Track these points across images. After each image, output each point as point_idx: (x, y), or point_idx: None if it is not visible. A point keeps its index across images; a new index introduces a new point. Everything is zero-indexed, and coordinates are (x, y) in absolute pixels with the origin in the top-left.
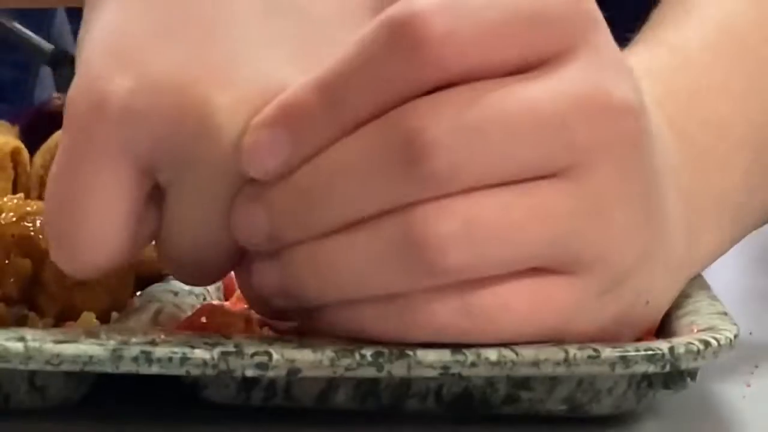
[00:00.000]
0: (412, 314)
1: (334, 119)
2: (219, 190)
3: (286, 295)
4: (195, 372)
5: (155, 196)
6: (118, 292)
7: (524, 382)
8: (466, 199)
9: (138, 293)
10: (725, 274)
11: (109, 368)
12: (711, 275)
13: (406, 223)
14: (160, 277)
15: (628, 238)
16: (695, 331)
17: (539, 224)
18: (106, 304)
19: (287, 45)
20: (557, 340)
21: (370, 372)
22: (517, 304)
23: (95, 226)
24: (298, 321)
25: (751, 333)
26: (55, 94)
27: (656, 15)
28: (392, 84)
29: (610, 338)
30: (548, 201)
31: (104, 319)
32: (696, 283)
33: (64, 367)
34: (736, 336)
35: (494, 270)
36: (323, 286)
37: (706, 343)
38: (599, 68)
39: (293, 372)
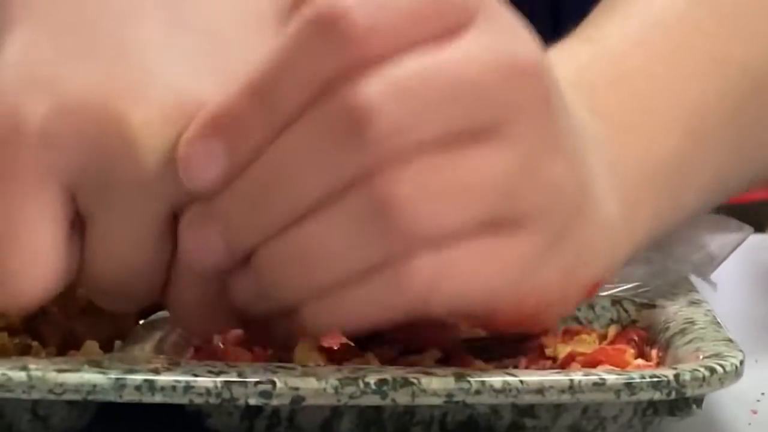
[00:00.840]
0: (395, 283)
1: (268, 119)
2: (143, 209)
3: (264, 299)
4: (198, 400)
5: (76, 224)
6: (121, 321)
7: (529, 410)
8: (417, 161)
9: (141, 321)
10: (731, 301)
11: (112, 397)
12: (716, 302)
13: (367, 192)
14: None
15: (561, 191)
16: (701, 357)
17: (482, 183)
18: (109, 332)
19: (195, 58)
20: (508, 297)
21: (374, 400)
22: (474, 263)
23: (27, 257)
24: (279, 329)
25: (756, 360)
26: None
27: (587, 19)
28: (322, 78)
29: (558, 300)
30: (484, 160)
31: (107, 347)
32: (701, 309)
33: (67, 396)
34: (741, 363)
35: (455, 227)
36: (299, 278)
37: (712, 370)
38: (499, 32)
39: (297, 400)
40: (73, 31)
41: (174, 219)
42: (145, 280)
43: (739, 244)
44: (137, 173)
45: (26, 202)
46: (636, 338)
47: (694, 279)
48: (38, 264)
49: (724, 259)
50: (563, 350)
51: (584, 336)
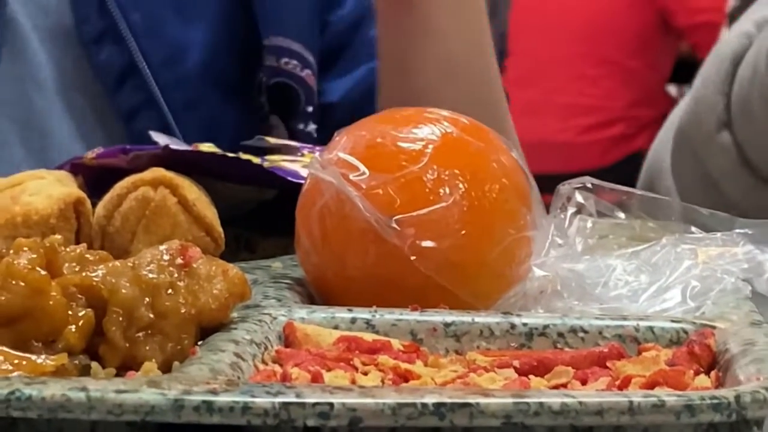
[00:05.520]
0: None
1: None
2: None
3: None
4: (256, 421)
5: None
6: (179, 342)
7: (588, 431)
8: None
9: (200, 343)
10: None
11: (170, 418)
12: None
13: None
14: (221, 327)
15: None
16: (761, 379)
17: None
18: (168, 353)
19: None
20: None
21: (432, 421)
22: None
23: None
24: None
25: None
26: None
27: None
28: None
29: None
30: None
31: (166, 368)
32: (761, 330)
33: (126, 417)
34: None
35: None
36: None
37: None
38: None
39: (355, 421)
40: None
41: None
42: None
43: None
44: None
45: None
46: (699, 352)
47: (756, 297)
48: None
49: None
50: (625, 368)
51: (653, 353)
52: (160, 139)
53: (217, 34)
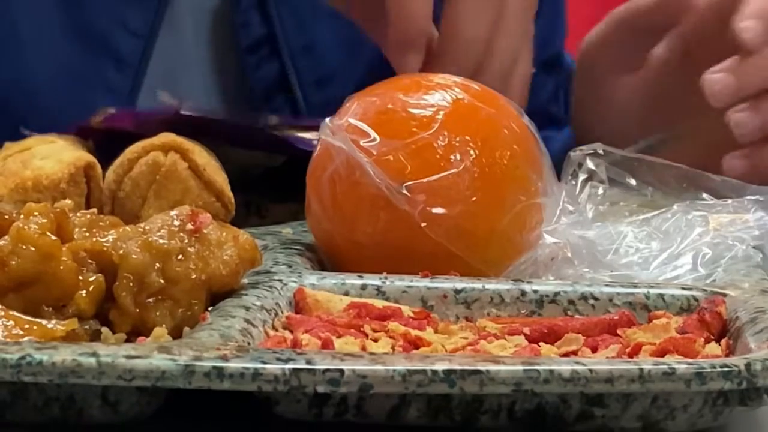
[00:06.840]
0: None
1: None
2: None
3: None
4: (267, 388)
5: None
6: (190, 308)
7: (598, 399)
8: None
9: (210, 309)
10: None
11: (181, 384)
12: None
13: None
14: (231, 293)
15: None
16: None
17: None
18: (178, 319)
19: None
20: None
21: (441, 388)
22: None
23: None
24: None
25: None
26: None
27: None
28: None
29: None
30: None
31: (176, 334)
32: None
33: (137, 383)
34: None
35: None
36: None
37: None
38: None
39: (365, 388)
40: None
41: None
42: None
43: None
44: None
45: None
46: (710, 319)
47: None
48: None
49: None
50: (636, 336)
51: (663, 320)
52: (169, 101)
53: (374, 68)
